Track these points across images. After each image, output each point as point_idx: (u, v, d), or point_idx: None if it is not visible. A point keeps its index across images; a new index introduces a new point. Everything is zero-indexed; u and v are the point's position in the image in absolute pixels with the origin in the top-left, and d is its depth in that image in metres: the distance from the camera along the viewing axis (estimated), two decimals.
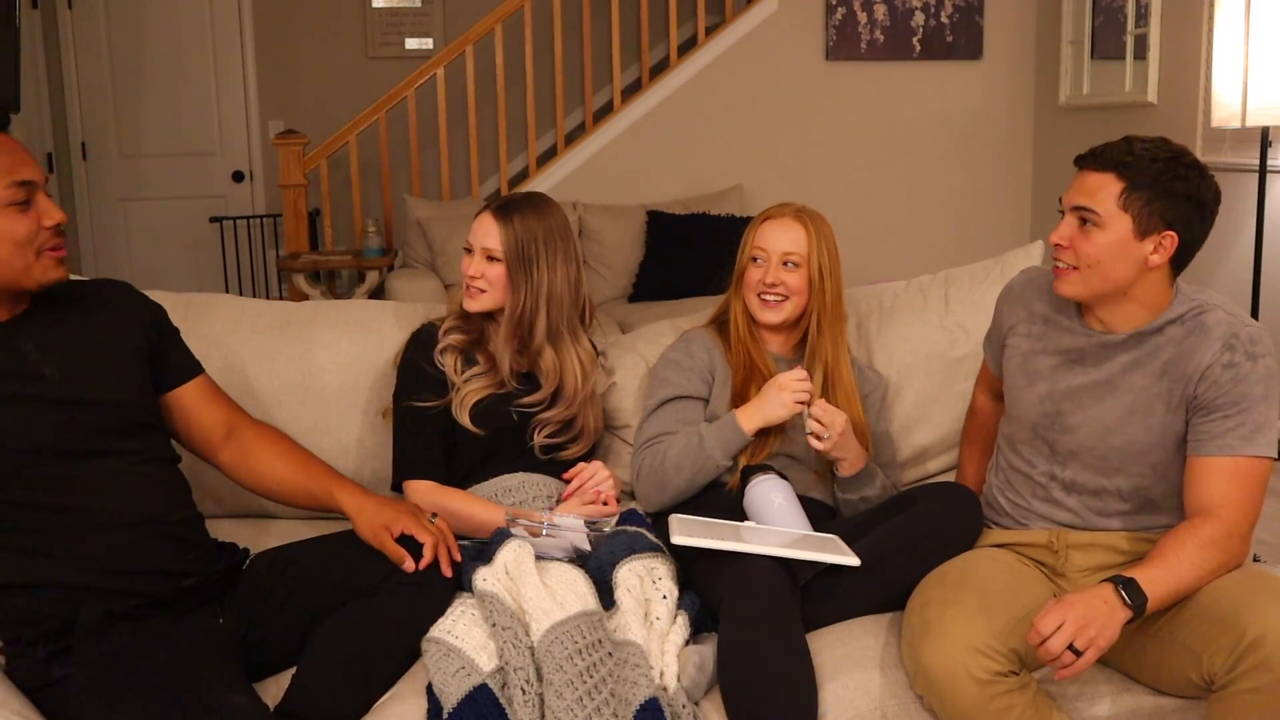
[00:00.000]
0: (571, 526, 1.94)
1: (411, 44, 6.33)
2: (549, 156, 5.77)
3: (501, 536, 1.88)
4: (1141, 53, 4.80)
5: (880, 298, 2.54)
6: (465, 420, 2.10)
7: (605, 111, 5.70)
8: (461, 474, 2.14)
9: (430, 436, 2.11)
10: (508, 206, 2.15)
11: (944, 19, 5.64)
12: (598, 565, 1.87)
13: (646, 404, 2.24)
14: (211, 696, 1.56)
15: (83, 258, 6.11)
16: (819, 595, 1.86)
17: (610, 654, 1.69)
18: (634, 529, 1.96)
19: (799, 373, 2.09)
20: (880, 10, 5.60)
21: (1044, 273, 2.01)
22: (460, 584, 1.85)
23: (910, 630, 1.73)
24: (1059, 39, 5.45)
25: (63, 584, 1.67)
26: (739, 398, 2.16)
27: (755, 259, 2.22)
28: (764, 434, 2.12)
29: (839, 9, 5.57)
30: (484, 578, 1.79)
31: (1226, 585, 1.69)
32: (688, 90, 5.56)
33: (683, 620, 1.83)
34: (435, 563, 1.80)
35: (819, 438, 2.05)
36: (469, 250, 2.18)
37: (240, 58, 6.15)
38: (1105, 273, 1.79)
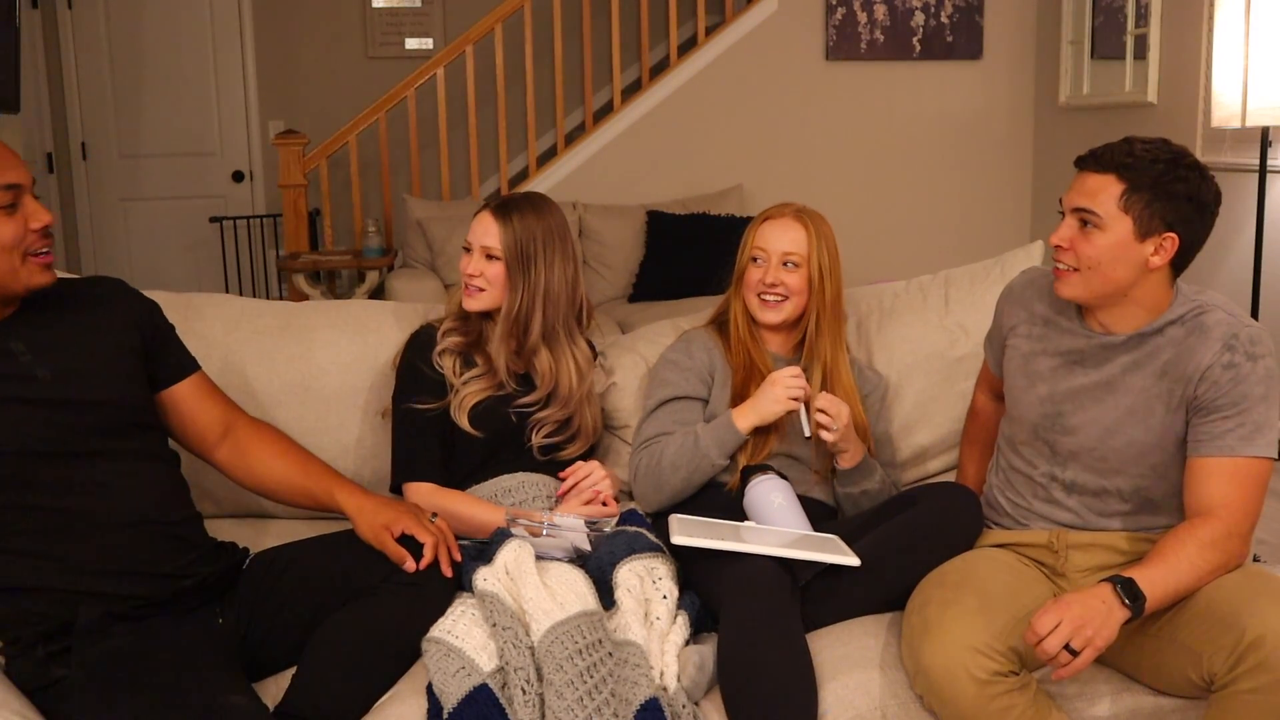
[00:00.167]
0: (571, 526, 1.94)
1: (411, 44, 6.33)
2: (549, 156, 5.77)
3: (502, 536, 1.88)
4: (1141, 53, 4.80)
5: (880, 298, 2.54)
6: (464, 422, 2.10)
7: (605, 111, 5.70)
8: (461, 475, 2.14)
9: (429, 438, 2.11)
10: (507, 205, 2.15)
11: (944, 19, 5.64)
12: (598, 565, 1.87)
13: (645, 404, 2.24)
14: (211, 696, 1.56)
15: (83, 258, 6.11)
16: (819, 595, 1.86)
17: (610, 654, 1.69)
18: (634, 529, 1.96)
19: (793, 369, 2.09)
20: (880, 10, 5.60)
21: (1044, 273, 2.01)
22: (460, 584, 1.85)
23: (910, 630, 1.73)
24: (1059, 39, 5.45)
25: (62, 585, 1.67)
26: (739, 398, 2.16)
27: (755, 259, 2.22)
28: (763, 434, 2.12)
29: (839, 9, 5.57)
30: (484, 578, 1.79)
31: (1226, 586, 1.69)
32: (688, 90, 5.56)
33: (683, 620, 1.83)
34: (435, 563, 1.80)
35: (827, 429, 2.05)
36: (468, 249, 2.18)
37: (240, 58, 6.15)
38: (1106, 274, 1.79)
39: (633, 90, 5.77)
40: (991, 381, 2.14)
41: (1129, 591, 1.63)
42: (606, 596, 1.83)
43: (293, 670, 1.73)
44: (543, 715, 1.65)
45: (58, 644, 1.63)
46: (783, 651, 1.71)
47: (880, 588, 1.88)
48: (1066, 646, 1.59)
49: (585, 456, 2.22)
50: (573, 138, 5.68)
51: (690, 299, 4.67)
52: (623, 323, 4.59)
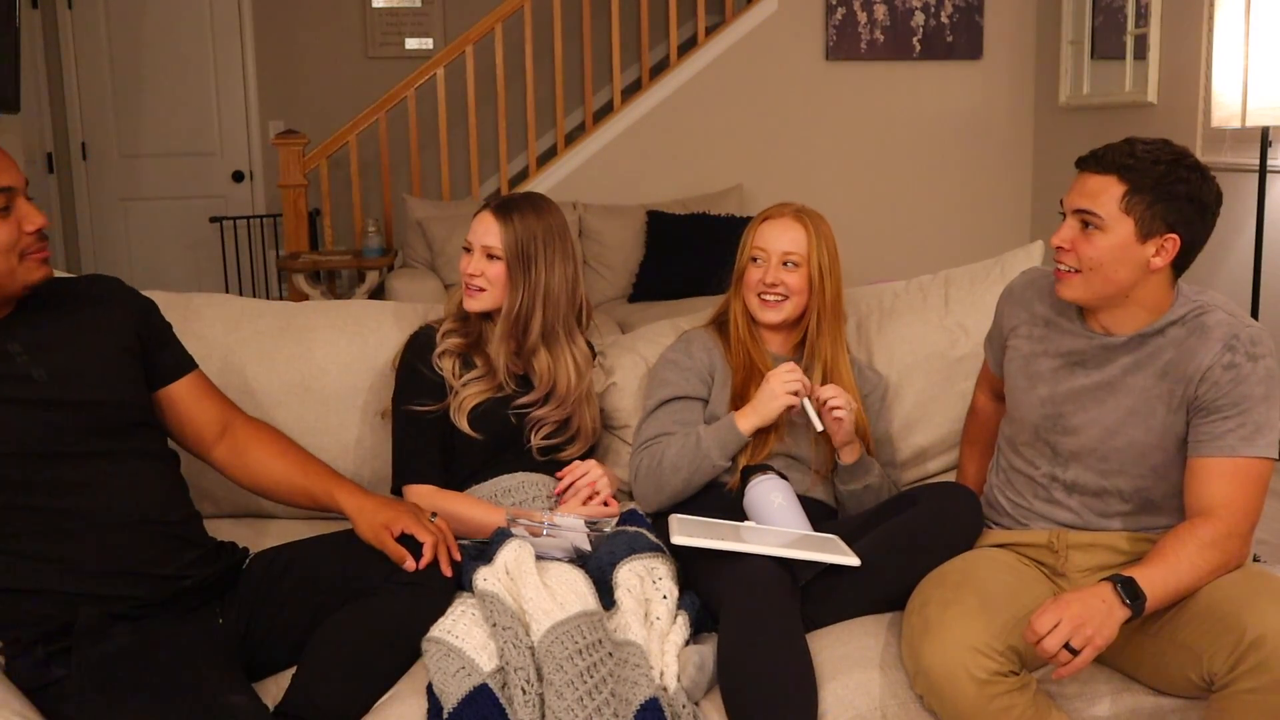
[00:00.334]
0: (572, 526, 1.94)
1: (411, 44, 6.33)
2: (549, 156, 5.77)
3: (502, 536, 1.88)
4: (1141, 53, 4.80)
5: (880, 298, 2.54)
6: (463, 424, 2.10)
7: (605, 111, 5.70)
8: (461, 477, 2.14)
9: (429, 440, 2.11)
10: (508, 205, 2.15)
11: (944, 19, 5.64)
12: (598, 565, 1.87)
13: (645, 404, 2.24)
14: (211, 696, 1.56)
15: (83, 258, 6.11)
16: (819, 595, 1.86)
17: (610, 654, 1.69)
18: (634, 529, 1.96)
19: (788, 365, 2.09)
20: (880, 10, 5.60)
21: (1045, 274, 2.01)
22: (460, 584, 1.85)
23: (910, 630, 1.73)
24: (1059, 39, 5.45)
25: (61, 585, 1.67)
26: (739, 398, 2.16)
27: (755, 259, 2.22)
28: (764, 434, 2.12)
29: (839, 9, 5.57)
30: (484, 577, 1.79)
31: (1227, 585, 1.69)
32: (688, 90, 5.56)
33: (683, 620, 1.83)
34: (435, 562, 1.80)
35: (841, 409, 2.05)
36: (468, 249, 2.18)
37: (240, 58, 6.15)
38: (1107, 275, 1.79)
39: (633, 90, 5.77)
40: (992, 381, 2.14)
41: (1129, 591, 1.63)
42: (606, 596, 1.83)
43: (293, 670, 1.73)
44: (543, 715, 1.65)
45: (58, 644, 1.63)
46: (783, 651, 1.71)
47: (880, 588, 1.88)
48: (1066, 646, 1.59)
49: (584, 457, 2.22)
50: (573, 138, 5.68)
51: (690, 299, 4.67)
52: (623, 323, 4.59)
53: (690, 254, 5.00)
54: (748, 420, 2.09)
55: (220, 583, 1.82)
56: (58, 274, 1.89)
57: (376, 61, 6.26)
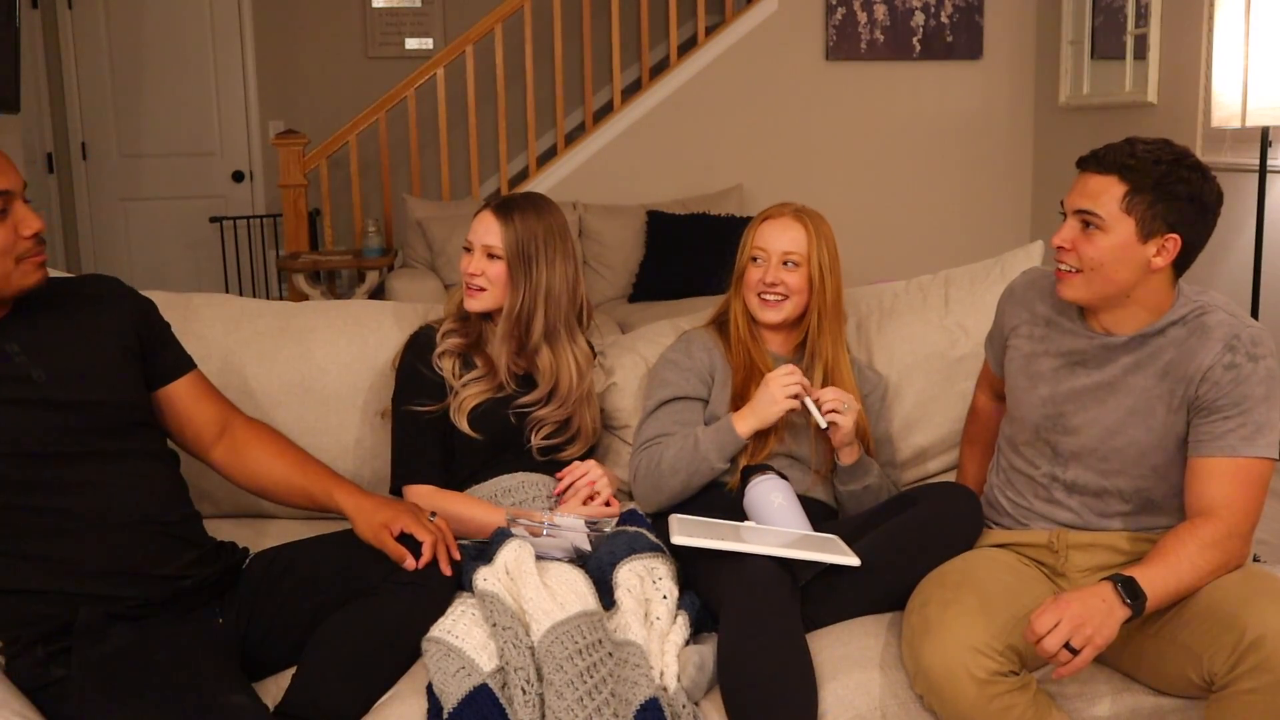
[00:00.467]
0: (572, 526, 1.94)
1: (411, 44, 6.33)
2: (549, 156, 5.77)
3: (502, 536, 1.88)
4: (1141, 53, 4.80)
5: (880, 298, 2.54)
6: (463, 425, 2.10)
7: (605, 111, 5.69)
8: (461, 477, 2.14)
9: (429, 440, 2.11)
10: (508, 205, 2.15)
11: (944, 19, 5.64)
12: (598, 565, 1.87)
13: (645, 405, 2.24)
14: (211, 696, 1.56)
15: (83, 258, 6.11)
16: (819, 595, 1.86)
17: (610, 654, 1.69)
18: (634, 529, 1.96)
19: (786, 368, 2.09)
20: (880, 10, 5.59)
21: (1045, 274, 2.01)
22: (460, 584, 1.85)
23: (910, 630, 1.73)
24: (1059, 39, 5.44)
25: (62, 585, 1.67)
26: (739, 398, 2.16)
27: (755, 259, 2.22)
28: (764, 434, 2.12)
29: (839, 9, 5.57)
30: (484, 577, 1.79)
31: (1227, 586, 1.69)
32: (688, 90, 5.56)
33: (683, 620, 1.83)
34: (435, 562, 1.80)
35: (838, 412, 2.04)
36: (468, 249, 2.18)
37: (240, 58, 6.15)
38: (1108, 275, 1.79)
39: (633, 90, 5.77)
40: (992, 381, 2.14)
41: (1130, 590, 1.63)
42: (606, 596, 1.83)
43: (293, 670, 1.73)
44: (543, 715, 1.65)
45: (58, 644, 1.63)
46: (783, 651, 1.71)
47: (880, 588, 1.88)
48: (1067, 645, 1.59)
49: (584, 458, 2.22)
50: (573, 138, 5.68)
51: (690, 299, 4.67)
52: (623, 323, 4.59)
53: (690, 254, 5.00)
54: (746, 423, 2.09)
55: (220, 583, 1.82)
56: (58, 274, 1.89)
57: (376, 61, 6.26)
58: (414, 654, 1.76)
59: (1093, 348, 1.88)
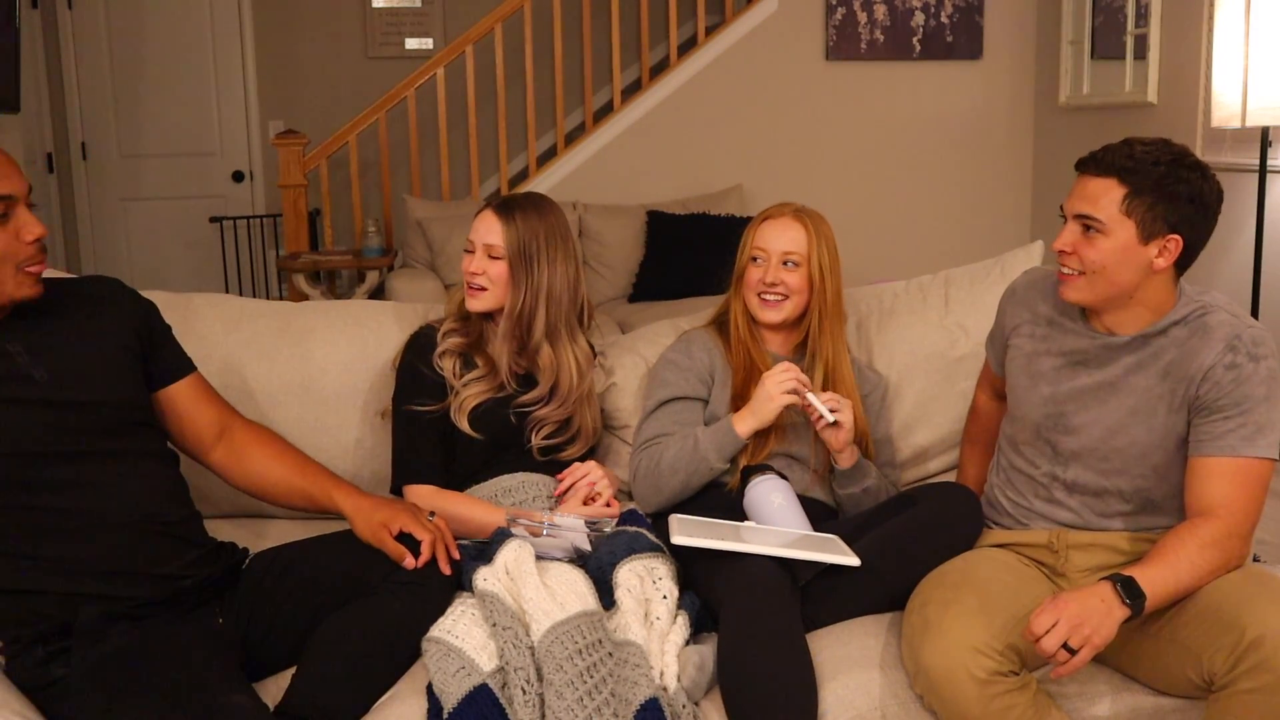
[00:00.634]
0: (572, 526, 1.94)
1: (411, 44, 6.33)
2: (549, 156, 5.77)
3: (502, 536, 1.88)
4: (1141, 53, 4.80)
5: (880, 298, 2.54)
6: (464, 425, 2.10)
7: (605, 111, 5.69)
8: (462, 477, 2.14)
9: (429, 441, 2.11)
10: (509, 204, 2.15)
11: (944, 19, 5.64)
12: (598, 565, 1.87)
13: (645, 405, 2.24)
14: (211, 696, 1.56)
15: (83, 258, 6.11)
16: (819, 595, 1.86)
17: (610, 654, 1.69)
18: (634, 529, 1.96)
19: (781, 365, 2.09)
20: (880, 10, 5.59)
21: (1047, 274, 2.01)
22: (460, 583, 1.85)
23: (910, 630, 1.73)
24: (1059, 39, 5.44)
25: (62, 585, 1.67)
26: (739, 398, 2.16)
27: (755, 259, 2.22)
28: (763, 434, 2.12)
29: (839, 9, 5.57)
30: (484, 577, 1.79)
31: (1226, 586, 1.69)
32: (688, 90, 5.56)
33: (683, 620, 1.83)
34: (435, 562, 1.80)
35: (837, 412, 2.04)
36: (469, 249, 2.18)
37: (240, 58, 6.15)
38: (1110, 278, 1.79)
39: (633, 90, 5.77)
40: (993, 381, 2.14)
41: (1129, 590, 1.63)
42: (606, 596, 1.82)
43: (293, 670, 1.73)
44: (543, 715, 1.65)
45: (58, 644, 1.63)
46: (783, 651, 1.71)
47: (880, 588, 1.88)
48: (1065, 645, 1.59)
49: (584, 458, 2.22)
50: (573, 138, 5.68)
51: (690, 299, 4.67)
52: (623, 323, 4.59)
53: (690, 254, 5.00)
54: (745, 423, 2.08)
55: (220, 583, 1.82)
56: (60, 274, 1.89)
57: (376, 61, 6.26)
58: (414, 654, 1.76)
59: (1094, 347, 1.88)
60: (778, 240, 2.19)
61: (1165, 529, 1.82)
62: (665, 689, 1.70)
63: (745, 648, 1.71)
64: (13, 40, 4.73)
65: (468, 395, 2.11)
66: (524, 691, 1.65)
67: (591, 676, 1.65)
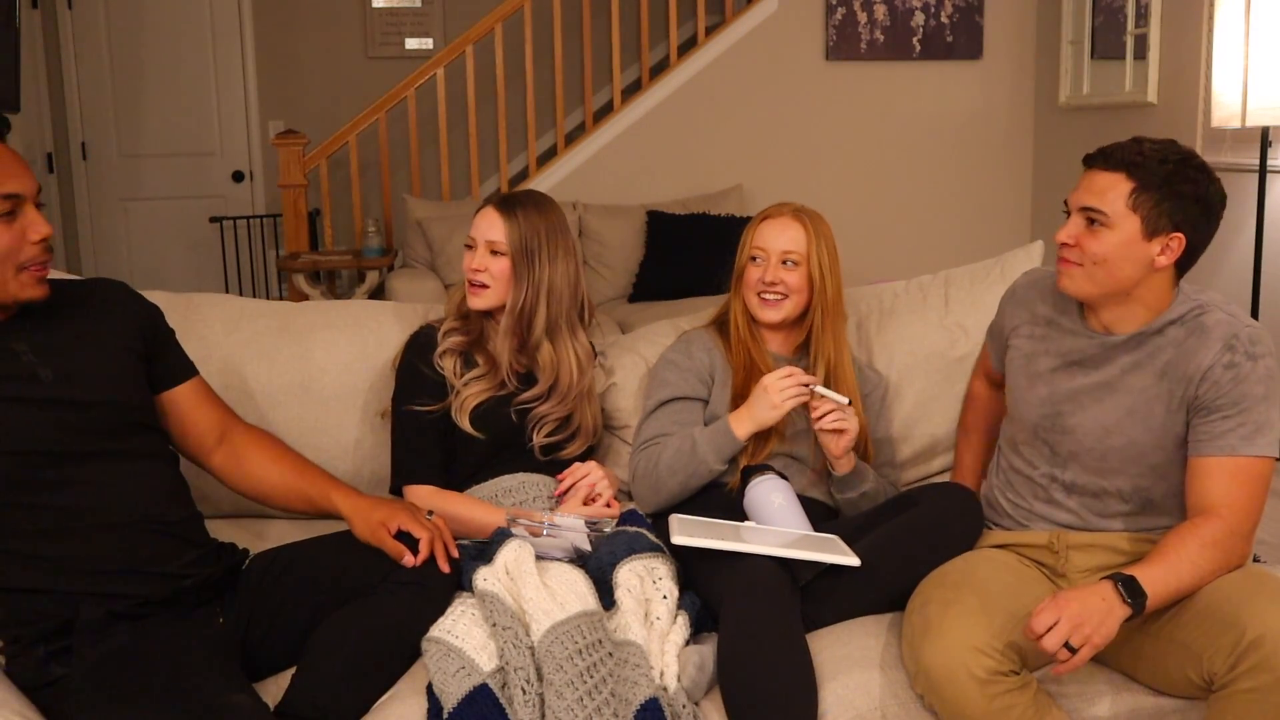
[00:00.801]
0: (572, 526, 1.94)
1: (411, 44, 6.33)
2: (549, 156, 5.77)
3: (502, 536, 1.88)
4: (1141, 53, 4.80)
5: (880, 298, 2.54)
6: (465, 424, 2.10)
7: (605, 111, 5.69)
8: (462, 476, 2.14)
9: (429, 441, 2.11)
10: (511, 201, 2.16)
11: (944, 19, 5.64)
12: (598, 565, 1.87)
13: (645, 405, 2.24)
14: (212, 695, 1.56)
15: (83, 258, 6.11)
16: (819, 595, 1.86)
17: (610, 654, 1.69)
18: (634, 529, 1.96)
19: (784, 371, 2.08)
20: (880, 10, 5.59)
21: (1047, 274, 2.01)
22: (460, 583, 1.85)
23: (911, 629, 1.73)
24: (1059, 39, 5.44)
25: (62, 584, 1.67)
26: (739, 398, 2.16)
27: (754, 258, 2.22)
28: (764, 434, 2.11)
29: (839, 9, 5.57)
30: (484, 577, 1.79)
31: (1226, 585, 1.69)
32: (688, 90, 5.56)
33: (683, 620, 1.83)
34: (434, 562, 1.80)
35: (840, 419, 2.04)
36: (470, 246, 2.17)
37: (240, 58, 6.15)
38: (1111, 271, 1.80)
39: (633, 90, 5.77)
40: (989, 370, 2.15)
41: (1130, 590, 1.63)
42: (606, 596, 1.82)
43: (293, 670, 1.73)
44: (543, 715, 1.65)
45: (58, 643, 1.63)
46: (783, 651, 1.71)
47: (880, 588, 1.87)
48: (1066, 644, 1.59)
49: (585, 457, 2.22)
50: (573, 138, 5.68)
51: (690, 299, 4.67)
52: (623, 323, 4.59)
53: (690, 254, 5.00)
54: (744, 426, 2.08)
55: (220, 583, 1.82)
56: (66, 276, 1.89)
57: (376, 61, 6.26)
58: (414, 654, 1.76)
59: (1091, 347, 1.88)
60: (777, 240, 2.19)
61: (1165, 529, 1.82)
62: (665, 689, 1.70)
63: (745, 648, 1.71)
64: (13, 40, 4.73)
65: (468, 394, 2.11)
66: (524, 691, 1.66)
67: (591, 676, 1.65)
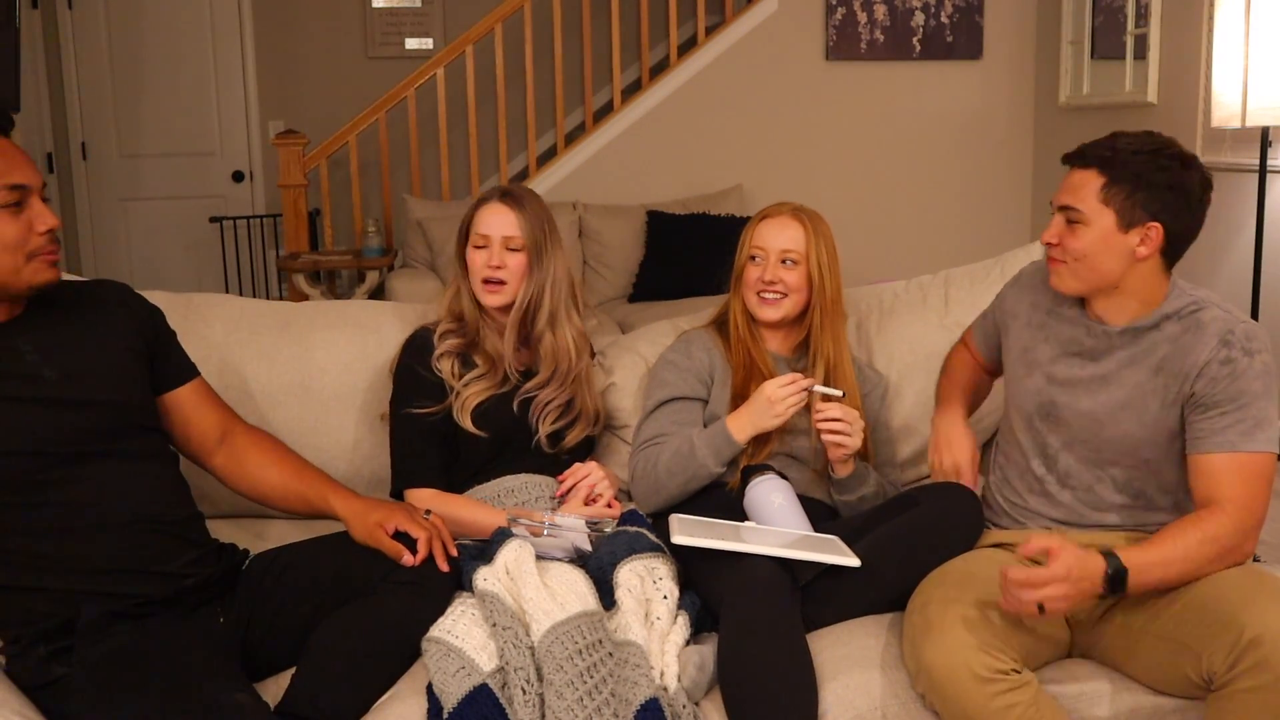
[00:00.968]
0: (572, 526, 1.94)
1: (411, 44, 6.33)
2: (549, 156, 5.77)
3: (502, 536, 1.88)
4: (1141, 53, 4.80)
5: (880, 298, 2.54)
6: (467, 423, 2.10)
7: (605, 111, 5.69)
8: (465, 476, 2.14)
9: (429, 443, 2.11)
10: (515, 195, 2.17)
11: (944, 19, 5.64)
12: (598, 565, 1.87)
13: (645, 405, 2.24)
14: (213, 695, 1.56)
15: (83, 258, 6.11)
16: (819, 596, 1.86)
17: (611, 654, 1.69)
18: (635, 529, 1.96)
19: (787, 378, 2.08)
20: (880, 10, 5.59)
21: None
22: (460, 583, 1.85)
23: (912, 629, 1.73)
24: (1059, 39, 5.44)
25: (64, 583, 1.67)
26: (739, 397, 2.16)
27: (753, 257, 2.22)
28: (764, 434, 2.11)
29: (839, 9, 5.57)
30: (484, 577, 1.79)
31: (1225, 585, 1.69)
32: (688, 90, 5.56)
33: (683, 620, 1.83)
34: (434, 562, 1.80)
35: (847, 434, 2.05)
36: (481, 245, 2.16)
37: (240, 58, 6.15)
38: (1093, 266, 1.82)
39: (633, 90, 5.77)
40: (969, 344, 2.19)
41: (1114, 583, 1.65)
42: (607, 596, 1.83)
43: (293, 670, 1.73)
44: (543, 715, 1.65)
45: (59, 642, 1.63)
46: (783, 652, 1.72)
47: (881, 588, 1.88)
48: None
49: (588, 444, 2.23)
50: (573, 138, 5.68)
51: (690, 299, 4.67)
52: (623, 323, 4.59)
53: (690, 254, 5.00)
54: (743, 430, 2.08)
55: (221, 583, 1.82)
56: (68, 277, 1.89)
57: (376, 61, 6.26)
58: (414, 654, 1.76)
59: (1090, 338, 1.90)
60: (776, 238, 2.19)
61: (1160, 525, 1.83)
62: (665, 689, 1.70)
63: (746, 648, 1.71)
64: (13, 40, 4.73)
65: (469, 394, 2.11)
66: (524, 691, 1.66)
67: (592, 676, 1.65)
